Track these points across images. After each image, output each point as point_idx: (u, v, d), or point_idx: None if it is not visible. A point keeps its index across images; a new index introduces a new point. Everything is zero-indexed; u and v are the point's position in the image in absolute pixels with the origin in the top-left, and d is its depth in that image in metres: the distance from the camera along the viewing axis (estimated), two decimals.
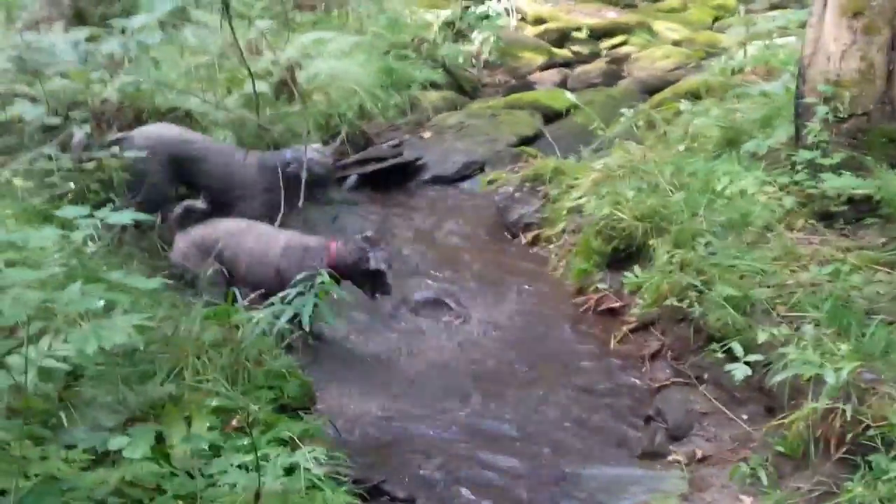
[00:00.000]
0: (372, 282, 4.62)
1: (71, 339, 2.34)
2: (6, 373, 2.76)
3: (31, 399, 2.74)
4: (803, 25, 7.44)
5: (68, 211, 2.50)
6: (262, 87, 5.53)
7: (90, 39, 4.96)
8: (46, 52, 4.50)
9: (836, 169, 4.66)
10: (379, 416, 4.09)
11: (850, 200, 4.70)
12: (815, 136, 4.80)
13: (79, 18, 7.34)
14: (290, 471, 2.93)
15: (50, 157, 5.00)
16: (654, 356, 4.40)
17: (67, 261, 3.45)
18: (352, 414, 4.08)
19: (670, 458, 3.78)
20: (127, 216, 2.50)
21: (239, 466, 2.83)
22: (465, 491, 3.57)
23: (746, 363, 3.73)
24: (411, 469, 3.68)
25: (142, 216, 2.61)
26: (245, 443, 3.21)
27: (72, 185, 5.13)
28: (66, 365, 2.89)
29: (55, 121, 4.71)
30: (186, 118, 5.88)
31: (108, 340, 2.28)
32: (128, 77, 4.90)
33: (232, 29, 3.27)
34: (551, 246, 5.64)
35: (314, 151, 5.09)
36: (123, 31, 6.20)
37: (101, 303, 2.41)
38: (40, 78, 5.33)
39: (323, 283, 3.59)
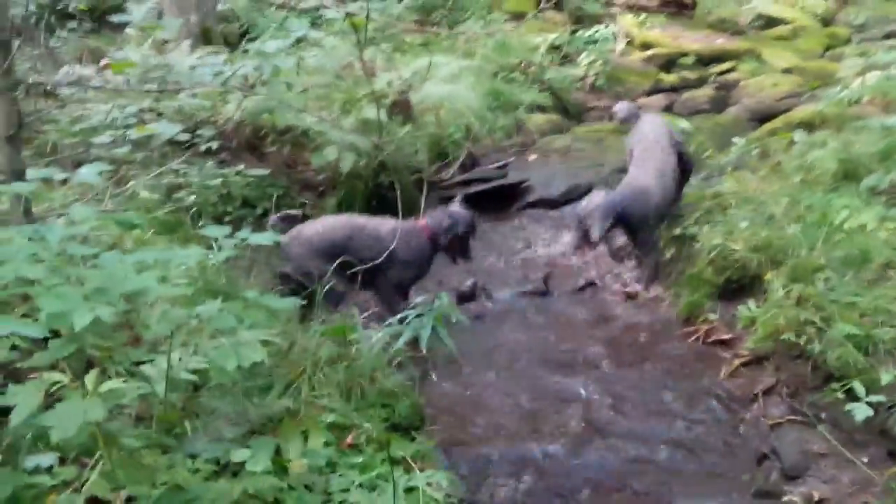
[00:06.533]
0: (460, 246, 5.19)
1: (211, 355, 2.44)
2: (145, 382, 2.91)
3: (167, 409, 2.87)
4: None
5: (212, 230, 2.62)
6: (375, 110, 5.65)
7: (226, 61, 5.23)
8: (188, 74, 4.73)
9: None
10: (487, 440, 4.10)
11: None
12: None
13: (204, 37, 7.71)
14: (407, 491, 2.96)
15: (177, 172, 5.26)
16: (768, 392, 4.27)
17: (201, 277, 3.60)
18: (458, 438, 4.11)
19: (785, 498, 3.67)
20: (267, 237, 2.61)
21: (360, 485, 2.87)
22: None
23: (868, 404, 3.63)
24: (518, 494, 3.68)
25: (280, 238, 2.71)
26: (359, 460, 3.30)
27: (193, 197, 5.39)
28: (196, 378, 3.04)
29: (184, 136, 4.93)
30: (303, 136, 6.08)
31: (246, 358, 2.37)
32: (256, 97, 5.09)
33: (360, 53, 3.37)
34: (660, 275, 5.57)
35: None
36: (246, 52, 6.48)
37: (239, 321, 2.50)
38: (167, 97, 5.63)
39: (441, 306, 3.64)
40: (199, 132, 5.39)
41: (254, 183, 5.83)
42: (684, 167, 5.74)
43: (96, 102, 5.84)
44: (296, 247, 4.91)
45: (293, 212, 5.11)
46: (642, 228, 5.38)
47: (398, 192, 4.84)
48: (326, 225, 5.06)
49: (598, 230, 5.13)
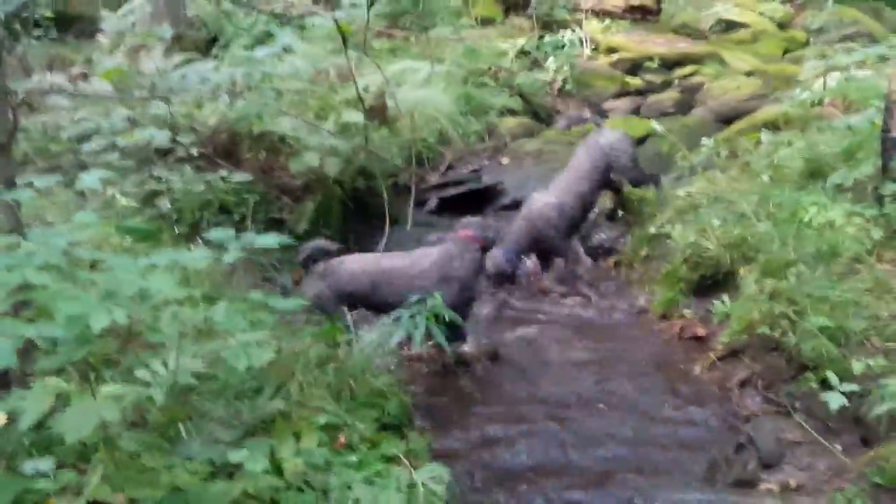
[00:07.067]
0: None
1: (222, 356, 2.48)
2: (143, 387, 2.93)
3: (164, 413, 2.90)
4: (882, 60, 7.49)
5: (216, 234, 2.66)
6: (355, 114, 5.71)
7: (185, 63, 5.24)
8: (179, 80, 4.75)
9: None
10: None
11: None
12: None
13: (177, 44, 7.71)
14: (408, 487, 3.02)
15: (158, 179, 5.27)
16: (744, 384, 4.40)
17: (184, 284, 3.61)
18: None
19: (763, 486, 3.79)
20: (273, 240, 2.65)
21: (360, 482, 2.93)
22: None
23: (842, 393, 3.77)
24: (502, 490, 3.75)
25: (286, 240, 2.76)
26: (354, 459, 3.36)
27: (168, 204, 5.39)
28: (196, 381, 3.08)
29: (162, 143, 4.95)
30: (280, 142, 6.12)
31: (257, 358, 2.42)
32: (239, 103, 5.12)
33: (348, 57, 3.43)
34: (633, 272, 5.70)
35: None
36: (216, 58, 6.49)
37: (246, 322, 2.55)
38: (141, 104, 5.64)
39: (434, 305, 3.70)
40: (177, 139, 5.40)
41: (231, 189, 5.85)
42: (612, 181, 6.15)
43: (70, 110, 5.83)
44: (326, 288, 4.76)
45: (325, 243, 5.05)
46: (549, 243, 5.85)
47: (384, 196, 4.86)
48: (355, 270, 4.80)
49: (508, 265, 5.65)
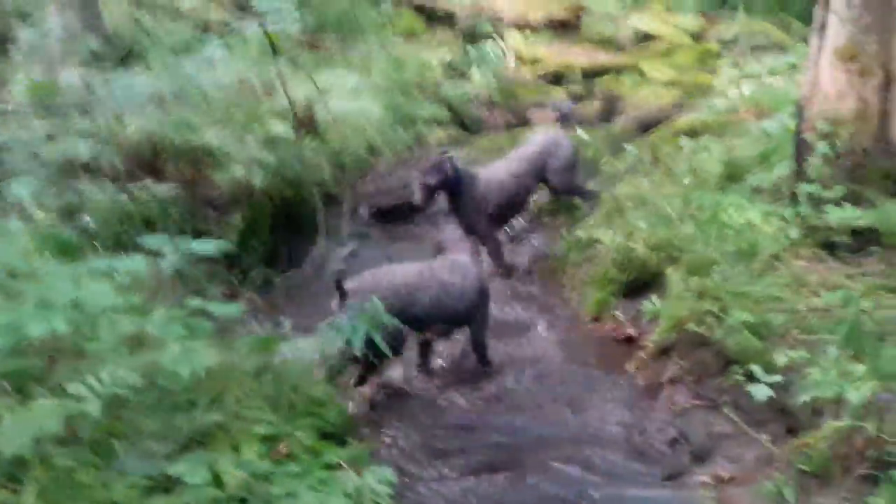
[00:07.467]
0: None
1: (164, 362, 2.45)
2: (74, 402, 2.86)
3: (106, 425, 2.84)
4: (793, 67, 7.83)
5: (152, 240, 2.63)
6: (282, 126, 5.68)
7: None
8: (104, 93, 4.64)
9: (837, 202, 4.89)
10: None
11: (853, 231, 4.91)
12: (817, 170, 5.02)
13: (94, 57, 7.51)
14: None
15: (77, 192, 5.13)
16: (674, 381, 4.53)
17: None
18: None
19: (696, 479, 3.90)
20: (210, 245, 2.63)
21: (312, 488, 2.91)
22: None
23: (767, 385, 3.92)
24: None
25: (223, 245, 2.73)
26: (296, 469, 3.33)
27: (88, 219, 5.26)
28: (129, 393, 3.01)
29: (86, 157, 4.83)
30: (205, 154, 6.03)
31: (199, 364, 2.39)
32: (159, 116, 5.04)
33: (277, 67, 3.42)
34: (564, 275, 5.81)
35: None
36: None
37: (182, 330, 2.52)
38: (63, 118, 5.49)
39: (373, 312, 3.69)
40: (99, 152, 5.28)
41: (155, 202, 5.74)
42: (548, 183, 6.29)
43: None
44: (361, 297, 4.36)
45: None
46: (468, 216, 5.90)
47: (315, 208, 4.83)
48: (385, 283, 4.51)
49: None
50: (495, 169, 6.06)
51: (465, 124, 8.86)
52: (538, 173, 6.11)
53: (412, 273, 4.60)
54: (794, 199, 5.19)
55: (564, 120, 8.64)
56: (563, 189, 6.28)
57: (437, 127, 8.33)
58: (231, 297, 5.06)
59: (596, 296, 5.34)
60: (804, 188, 5.06)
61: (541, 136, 6.36)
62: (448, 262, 4.78)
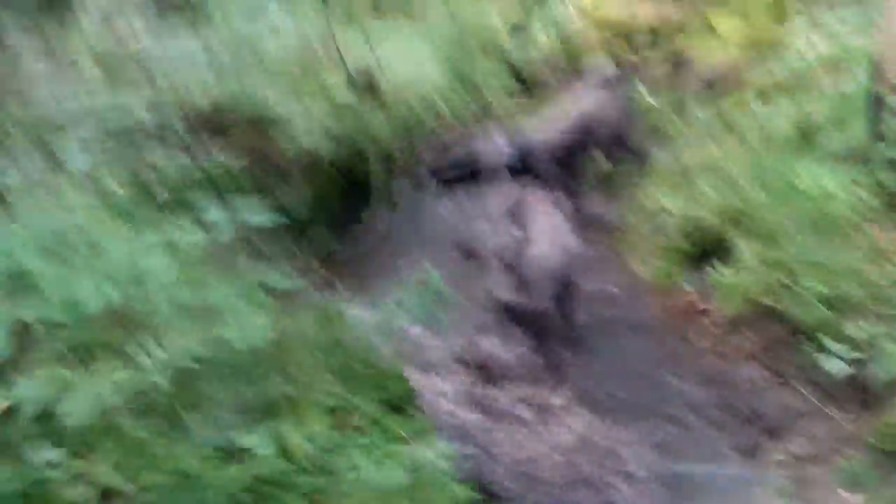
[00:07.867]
0: None
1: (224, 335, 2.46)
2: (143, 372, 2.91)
3: (176, 395, 2.89)
4: (872, 22, 7.46)
5: (212, 212, 2.63)
6: (347, 94, 5.65)
7: None
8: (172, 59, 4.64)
9: None
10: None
11: None
12: (894, 131, 4.80)
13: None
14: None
15: (146, 160, 5.18)
16: (745, 355, 4.43)
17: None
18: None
19: (771, 456, 3.82)
20: (265, 217, 2.62)
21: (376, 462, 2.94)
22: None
23: (843, 360, 3.80)
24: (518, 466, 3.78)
25: (276, 217, 2.72)
26: (362, 441, 3.36)
27: (166, 195, 5.32)
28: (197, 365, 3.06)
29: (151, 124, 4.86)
30: (272, 123, 6.04)
31: (259, 337, 2.39)
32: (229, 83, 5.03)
33: (334, 39, 3.36)
34: (627, 243, 5.70)
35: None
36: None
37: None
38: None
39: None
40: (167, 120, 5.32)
41: (222, 171, 5.78)
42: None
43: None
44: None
45: None
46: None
47: (380, 177, 4.77)
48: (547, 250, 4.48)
49: None
50: (548, 128, 6.11)
51: (528, 86, 8.69)
52: (588, 132, 6.07)
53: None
54: (869, 162, 4.99)
55: (623, 80, 8.33)
56: (613, 150, 6.19)
57: (501, 90, 8.19)
58: (299, 269, 5.08)
59: (661, 265, 5.22)
60: (882, 150, 4.85)
61: (591, 97, 6.19)
62: None
